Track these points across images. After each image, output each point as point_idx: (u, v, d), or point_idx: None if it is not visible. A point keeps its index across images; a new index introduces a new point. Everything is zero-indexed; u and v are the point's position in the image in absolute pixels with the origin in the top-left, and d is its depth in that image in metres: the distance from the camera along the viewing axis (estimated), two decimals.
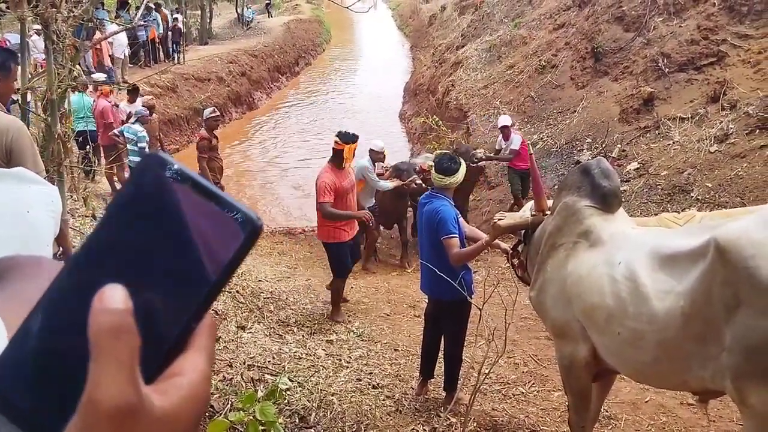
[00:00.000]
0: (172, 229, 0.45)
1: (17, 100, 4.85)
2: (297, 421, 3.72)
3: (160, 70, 16.99)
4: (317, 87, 25.76)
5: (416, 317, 6.29)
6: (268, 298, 6.66)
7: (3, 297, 0.57)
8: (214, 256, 0.45)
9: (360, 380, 4.79)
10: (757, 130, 8.85)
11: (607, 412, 4.44)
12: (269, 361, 4.61)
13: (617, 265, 3.07)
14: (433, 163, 4.59)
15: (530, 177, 9.26)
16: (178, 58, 20.27)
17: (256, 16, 31.85)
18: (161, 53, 20.47)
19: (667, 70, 11.19)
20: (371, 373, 5.02)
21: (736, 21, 10.92)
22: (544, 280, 3.52)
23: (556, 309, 3.42)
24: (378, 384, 4.79)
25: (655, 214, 6.24)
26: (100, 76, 11.70)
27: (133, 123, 9.41)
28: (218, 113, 9.20)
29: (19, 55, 4.37)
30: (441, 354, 4.76)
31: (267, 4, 35.12)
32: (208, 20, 26.75)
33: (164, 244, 0.44)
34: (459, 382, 4.61)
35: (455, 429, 4.16)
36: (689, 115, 10.08)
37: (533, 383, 5.09)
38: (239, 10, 30.56)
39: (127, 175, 9.36)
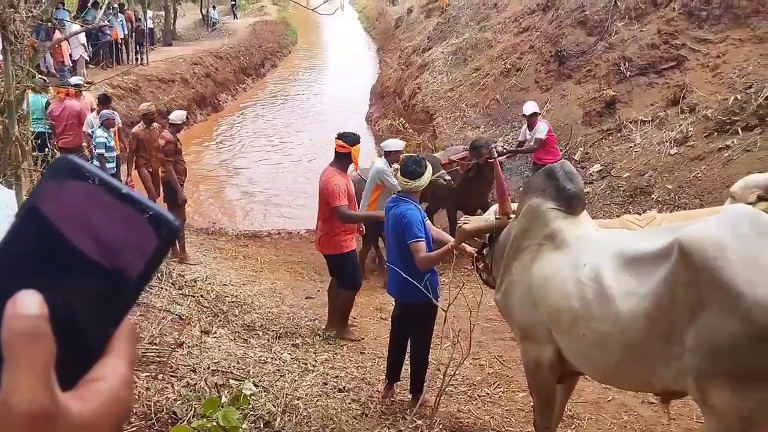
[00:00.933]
0: (85, 234, 0.43)
1: None
2: (262, 426, 3.67)
3: (123, 72, 16.71)
4: (284, 89, 25.62)
5: (383, 320, 6.28)
6: (233, 302, 6.59)
7: None
8: (131, 259, 0.44)
9: (326, 384, 4.76)
10: (715, 133, 9.05)
11: (570, 411, 4.47)
12: (234, 366, 4.55)
13: (582, 267, 3.09)
14: (399, 167, 4.58)
15: None
16: (142, 59, 19.99)
17: (221, 18, 31.58)
18: (124, 54, 20.15)
19: (628, 73, 11.39)
20: (337, 376, 4.99)
21: (695, 26, 11.17)
22: (510, 283, 3.54)
23: (521, 311, 3.43)
24: (344, 387, 4.77)
25: (618, 216, 6.34)
26: (77, 80, 11.42)
27: (98, 127, 9.21)
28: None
29: None
30: (407, 357, 4.75)
31: (232, 5, 34.85)
32: (172, 21, 26.44)
33: (76, 248, 0.43)
34: (425, 384, 4.60)
35: (421, 431, 4.16)
36: (650, 118, 10.26)
37: (498, 384, 5.12)
38: (204, 11, 30.26)
39: None
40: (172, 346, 4.46)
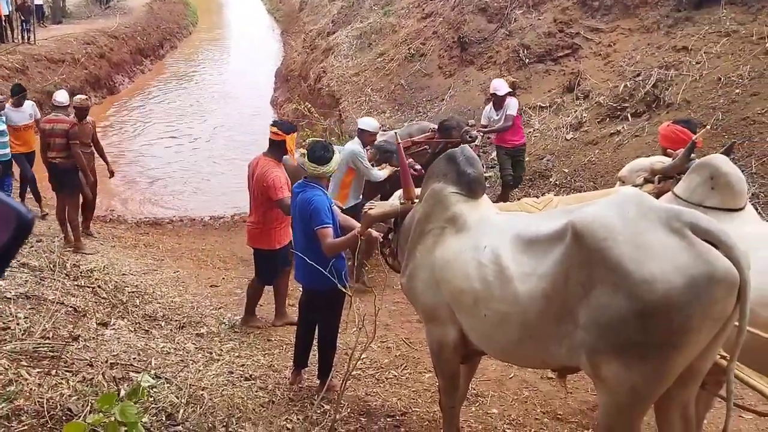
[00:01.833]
0: None
1: None
2: (164, 419, 3.57)
3: (7, 50, 15.66)
4: (184, 71, 24.80)
5: (290, 306, 6.22)
6: (133, 292, 6.34)
7: None
8: None
9: (232, 373, 4.67)
10: (608, 119, 9.50)
11: (474, 390, 4.61)
12: (134, 359, 4.39)
13: (483, 250, 3.17)
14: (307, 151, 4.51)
15: (522, 155, 8.60)
16: (29, 37, 18.80)
17: None
18: (9, 32, 18.88)
19: (527, 60, 11.75)
20: (244, 365, 4.92)
21: (588, 15, 11.64)
22: (414, 266, 3.59)
23: (425, 294, 3.49)
24: (251, 376, 4.70)
25: (518, 199, 6.55)
26: None
27: None
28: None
29: None
30: (316, 342, 4.74)
31: None
32: None
33: None
34: (333, 369, 4.61)
35: (329, 416, 4.17)
36: (548, 104, 10.65)
37: (405, 366, 5.20)
38: None
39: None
40: (67, 340, 4.24)
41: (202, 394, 3.99)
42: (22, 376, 3.37)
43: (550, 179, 9.26)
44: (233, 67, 25.60)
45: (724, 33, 9.36)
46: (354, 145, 7.00)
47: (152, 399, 3.61)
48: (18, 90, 9.39)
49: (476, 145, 8.02)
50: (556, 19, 11.91)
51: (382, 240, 4.26)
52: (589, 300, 2.65)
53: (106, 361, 4.09)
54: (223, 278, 7.90)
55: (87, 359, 4.05)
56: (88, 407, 3.33)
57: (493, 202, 3.78)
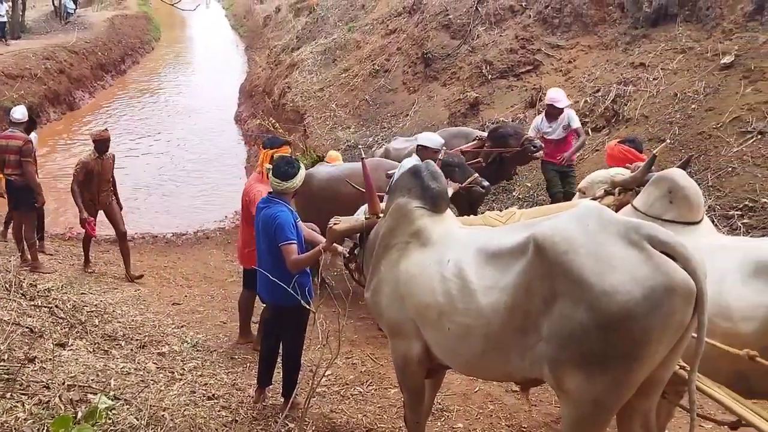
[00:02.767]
0: None
1: None
2: None
3: None
4: (147, 86, 24.51)
5: (254, 323, 6.15)
6: (92, 311, 6.19)
7: None
8: None
9: (194, 392, 4.58)
10: None
11: (439, 405, 4.60)
12: (92, 380, 4.27)
13: (447, 264, 3.18)
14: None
15: (573, 171, 7.68)
16: None
17: (77, 10, 29.67)
18: None
19: (490, 76, 11.90)
20: (206, 384, 4.83)
21: (549, 32, 11.86)
22: (379, 281, 3.58)
23: (390, 308, 3.48)
24: (213, 395, 4.62)
25: (482, 213, 6.59)
26: None
27: None
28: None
29: None
30: (280, 360, 4.69)
31: None
32: (21, 12, 24.56)
33: None
34: (297, 386, 4.56)
35: None
36: (510, 119, 10.76)
37: (371, 382, 5.16)
38: (56, 2, 28.33)
39: None
40: (22, 362, 4.12)
41: (163, 415, 3.91)
42: None
43: (513, 193, 9.37)
44: (197, 82, 25.38)
45: (680, 50, 9.60)
46: (413, 161, 6.02)
47: (110, 421, 3.52)
48: None
49: (536, 157, 7.42)
50: (518, 36, 12.09)
51: (347, 255, 4.24)
52: (551, 312, 2.67)
53: (63, 383, 3.98)
54: (186, 296, 7.78)
55: (43, 381, 3.94)
56: (44, 430, 3.24)
57: None
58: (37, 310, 5.62)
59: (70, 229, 11.12)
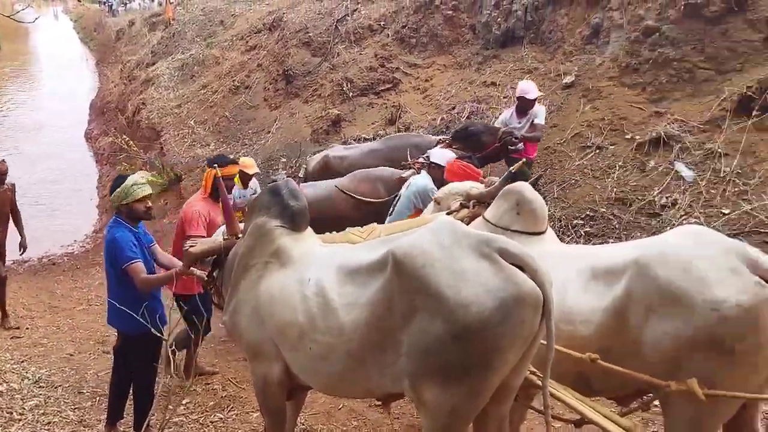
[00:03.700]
0: None
1: None
2: None
3: None
4: None
5: (106, 354, 5.77)
6: None
7: None
8: None
9: None
10: None
11: (303, 425, 4.53)
12: None
13: (307, 283, 3.15)
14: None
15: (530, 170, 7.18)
16: None
17: None
18: None
19: (351, 94, 12.03)
20: (50, 423, 4.46)
21: (407, 51, 12.20)
22: (238, 302, 3.48)
23: (249, 330, 3.39)
24: None
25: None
26: None
27: None
28: None
29: None
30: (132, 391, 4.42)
31: None
32: None
33: None
34: (152, 418, 4.31)
35: None
36: (372, 136, 10.92)
37: (232, 407, 4.99)
38: None
39: None
40: None
41: None
42: None
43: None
44: (42, 98, 23.73)
45: (527, 70, 10.20)
46: (424, 179, 5.56)
47: None
48: None
49: (519, 151, 6.84)
50: (377, 54, 12.34)
51: (206, 278, 4.09)
52: (410, 327, 2.71)
53: None
54: (28, 328, 7.17)
55: None
56: None
57: None
58: None
59: None
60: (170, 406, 3.53)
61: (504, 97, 9.84)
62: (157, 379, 4.37)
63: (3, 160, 7.40)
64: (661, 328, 2.78)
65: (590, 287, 3.06)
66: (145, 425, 4.05)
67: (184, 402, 4.03)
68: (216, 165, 5.29)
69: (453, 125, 9.85)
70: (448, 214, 3.93)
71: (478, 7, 11.50)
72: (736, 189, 6.53)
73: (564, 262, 3.23)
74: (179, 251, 4.83)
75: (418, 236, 2.85)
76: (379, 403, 3.47)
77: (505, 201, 3.72)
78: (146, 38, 22.48)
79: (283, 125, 12.66)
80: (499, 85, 10.18)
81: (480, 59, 11.10)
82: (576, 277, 3.13)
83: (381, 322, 2.81)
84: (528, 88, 7.18)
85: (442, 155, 5.65)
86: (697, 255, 2.79)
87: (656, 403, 3.01)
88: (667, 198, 6.76)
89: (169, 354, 3.26)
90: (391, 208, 5.58)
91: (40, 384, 5.30)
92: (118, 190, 4.20)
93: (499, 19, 11.03)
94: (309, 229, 3.57)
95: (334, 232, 3.75)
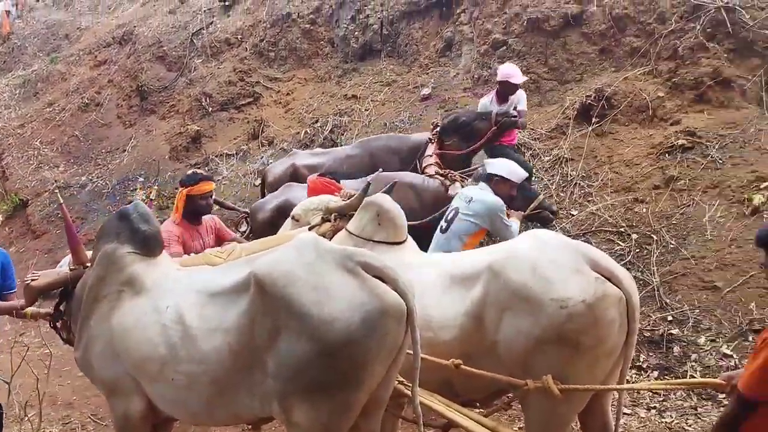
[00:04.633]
0: None
1: None
2: None
3: None
4: None
5: None
6: None
7: None
8: None
9: None
10: None
11: None
12: None
13: (165, 311, 3.01)
14: None
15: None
16: None
17: None
18: None
19: (210, 109, 11.73)
20: None
21: (266, 65, 12.07)
22: (89, 337, 3.26)
23: (104, 366, 3.18)
24: None
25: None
26: None
27: None
28: None
29: None
30: None
31: None
32: None
33: None
34: None
35: None
36: (234, 152, 10.72)
37: None
38: None
39: None
40: None
41: None
42: None
43: (240, 228, 9.27)
44: None
45: (386, 82, 10.43)
46: (493, 196, 4.75)
47: None
48: None
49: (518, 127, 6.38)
50: (236, 68, 12.11)
51: (52, 313, 3.79)
52: (276, 348, 2.66)
53: None
54: None
55: None
56: None
57: None
58: None
59: None
60: None
61: (365, 110, 9.98)
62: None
63: None
64: (514, 329, 2.93)
65: (449, 294, 3.16)
66: None
67: None
68: (187, 184, 4.91)
69: (317, 138, 9.87)
70: (310, 229, 3.92)
71: (335, 21, 11.61)
72: (581, 191, 7.01)
73: (424, 271, 3.32)
74: None
75: (279, 255, 2.82)
76: (250, 427, 3.38)
77: (366, 212, 3.79)
78: None
79: (140, 143, 12.11)
80: (360, 98, 10.31)
81: (340, 72, 11.21)
82: (436, 285, 3.22)
83: (246, 346, 2.75)
84: (512, 71, 6.66)
85: (512, 170, 4.90)
86: (543, 257, 2.97)
87: None
88: None
89: (14, 396, 2.99)
90: (442, 227, 4.78)
91: None
92: None
93: (356, 33, 11.19)
94: (164, 253, 3.41)
95: (193, 254, 3.62)
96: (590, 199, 6.81)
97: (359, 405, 2.68)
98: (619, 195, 6.74)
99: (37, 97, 14.90)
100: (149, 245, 3.27)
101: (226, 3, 13.20)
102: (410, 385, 2.81)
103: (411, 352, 2.73)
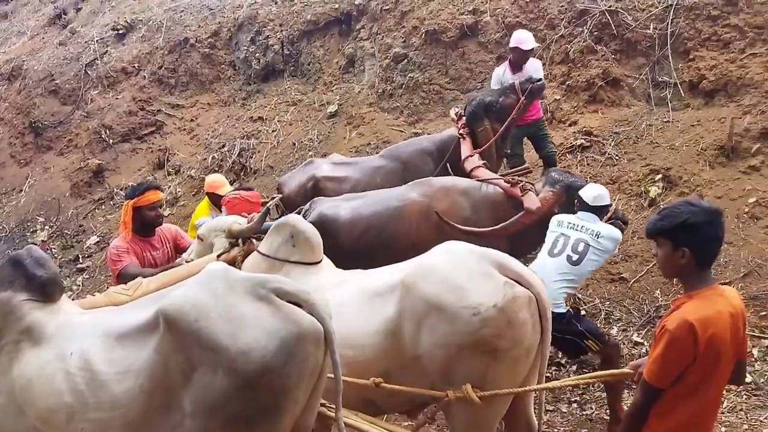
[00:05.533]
0: None
1: None
2: None
3: None
4: None
5: None
6: None
7: None
8: None
9: None
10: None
11: None
12: None
13: (70, 357, 2.84)
14: None
15: (545, 129, 6.50)
16: None
17: None
18: None
19: (111, 141, 11.32)
20: None
21: (167, 92, 11.78)
22: None
23: (5, 422, 2.96)
24: None
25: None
26: None
27: None
28: None
29: None
30: None
31: None
32: None
33: None
34: None
35: None
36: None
37: None
38: None
39: None
40: None
41: None
42: None
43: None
44: None
45: (292, 102, 10.37)
46: (617, 231, 4.44)
47: None
48: None
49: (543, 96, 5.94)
50: (135, 97, 11.76)
51: None
52: (192, 385, 2.56)
53: None
54: None
55: None
56: None
57: None
58: None
59: None
60: None
61: (272, 131, 9.90)
62: None
63: None
64: (432, 340, 2.95)
65: (367, 312, 3.15)
66: None
67: None
68: (132, 196, 4.69)
69: (225, 163, 9.69)
70: (219, 256, 3.83)
71: (235, 44, 11.48)
72: None
73: (342, 290, 3.30)
74: None
75: (188, 288, 2.73)
76: None
77: (279, 234, 3.74)
78: None
79: (37, 182, 11.53)
80: (266, 119, 10.23)
81: (244, 95, 11.08)
82: (354, 303, 3.21)
83: (160, 386, 2.63)
84: (523, 37, 6.34)
85: (602, 193, 4.50)
86: (453, 266, 3.02)
87: None
88: None
89: None
90: (570, 257, 4.28)
91: None
92: None
93: (257, 54, 11.10)
94: (64, 297, 3.22)
95: (97, 294, 3.45)
96: None
97: None
98: None
99: None
100: (47, 291, 3.07)
101: (120, 31, 12.80)
102: (333, 407, 2.77)
103: (332, 375, 2.70)
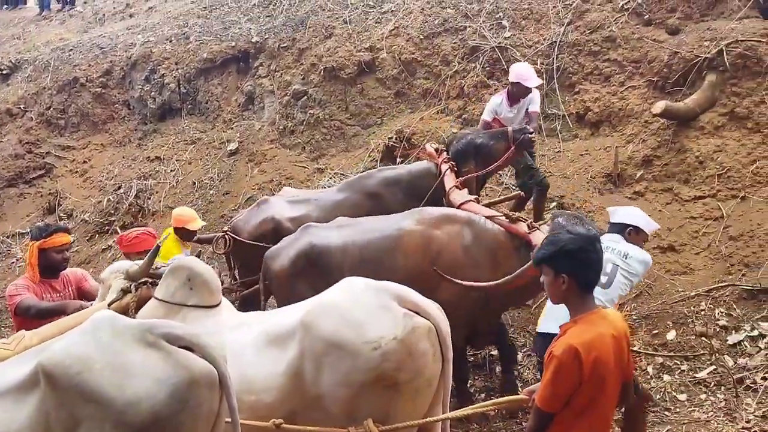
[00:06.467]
0: None
1: None
2: None
3: None
4: None
5: None
6: None
7: None
8: None
9: None
10: (96, 235, 9.25)
11: None
12: None
13: None
14: None
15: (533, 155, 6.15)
16: None
17: None
18: None
19: None
20: None
21: (56, 134, 11.32)
22: None
23: None
24: None
25: None
26: None
27: None
28: None
29: None
30: None
31: None
32: None
33: None
34: None
35: None
36: (28, 230, 9.77)
37: None
38: None
39: None
40: None
41: None
42: None
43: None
44: None
45: (190, 141, 10.15)
46: (646, 252, 4.39)
47: None
48: None
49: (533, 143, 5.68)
50: (22, 139, 11.21)
51: None
52: None
53: None
54: None
55: None
56: None
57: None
58: None
59: None
60: None
61: (171, 171, 9.64)
62: None
63: None
64: (334, 379, 2.90)
65: (268, 354, 3.08)
66: None
67: None
68: (39, 237, 4.40)
69: (122, 205, 9.33)
70: (110, 304, 3.64)
71: (128, 83, 11.18)
72: None
73: (240, 332, 3.21)
74: None
75: (70, 339, 2.57)
76: None
77: (175, 278, 3.59)
78: None
79: None
80: (164, 159, 9.96)
81: (140, 135, 10.77)
82: (254, 346, 3.12)
83: None
84: (526, 73, 6.09)
85: (646, 221, 4.45)
86: (351, 302, 3.00)
87: None
88: None
89: None
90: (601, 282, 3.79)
91: None
92: None
93: (153, 93, 10.84)
94: None
95: None
96: None
97: None
98: None
99: None
100: None
101: (3, 71, 12.21)
102: None
103: (230, 420, 2.60)
